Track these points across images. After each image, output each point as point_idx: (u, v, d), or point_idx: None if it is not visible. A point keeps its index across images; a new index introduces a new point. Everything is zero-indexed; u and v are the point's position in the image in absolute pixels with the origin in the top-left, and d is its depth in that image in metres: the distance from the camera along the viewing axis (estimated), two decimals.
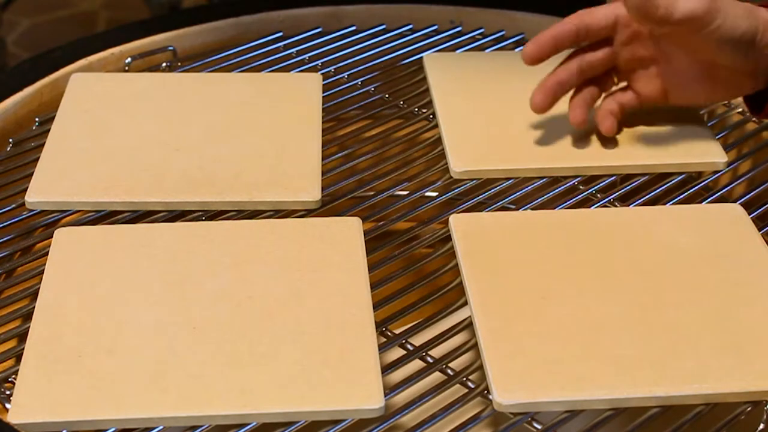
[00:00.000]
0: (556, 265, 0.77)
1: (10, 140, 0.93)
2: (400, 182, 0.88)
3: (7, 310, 0.76)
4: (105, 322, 0.71)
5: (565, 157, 0.89)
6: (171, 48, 1.06)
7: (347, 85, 1.02)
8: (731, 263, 0.78)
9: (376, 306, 0.74)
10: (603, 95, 0.90)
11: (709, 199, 0.86)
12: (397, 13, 1.13)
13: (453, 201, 0.86)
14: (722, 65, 0.83)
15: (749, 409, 0.68)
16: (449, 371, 0.71)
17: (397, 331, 0.74)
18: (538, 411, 0.67)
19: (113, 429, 0.65)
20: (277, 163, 0.87)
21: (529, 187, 0.87)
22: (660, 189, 0.87)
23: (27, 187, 0.84)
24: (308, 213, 0.83)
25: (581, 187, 0.88)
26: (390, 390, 0.69)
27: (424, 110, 0.98)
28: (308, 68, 1.04)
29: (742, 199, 0.86)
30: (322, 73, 1.02)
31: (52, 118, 0.93)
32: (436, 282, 0.78)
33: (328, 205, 0.85)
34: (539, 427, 0.67)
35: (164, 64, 1.05)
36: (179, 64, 1.05)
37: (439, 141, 0.92)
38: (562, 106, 0.93)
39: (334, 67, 1.05)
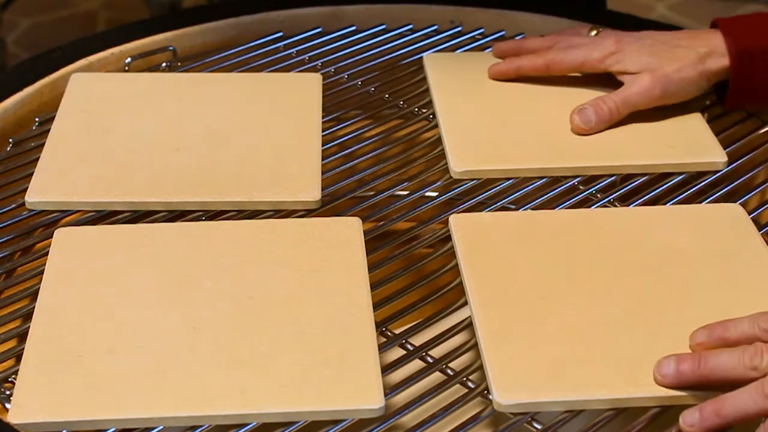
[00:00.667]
0: (556, 265, 0.77)
1: (10, 140, 0.93)
2: (400, 182, 0.88)
3: (7, 310, 0.76)
4: (105, 322, 0.71)
5: (565, 157, 0.89)
6: (171, 48, 1.06)
7: (347, 85, 1.02)
8: (731, 263, 0.77)
9: (376, 306, 0.74)
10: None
11: (709, 199, 0.86)
12: (397, 13, 1.13)
13: (453, 201, 0.86)
14: None
15: None
16: (449, 371, 0.71)
17: (397, 331, 0.74)
18: (538, 411, 0.67)
19: (113, 429, 0.65)
20: (277, 163, 0.87)
21: (529, 187, 0.87)
22: (660, 189, 0.87)
23: (27, 187, 0.84)
24: (308, 213, 0.83)
25: (581, 187, 0.88)
26: (390, 390, 0.69)
27: (424, 110, 0.98)
28: (308, 68, 1.04)
29: (742, 199, 0.86)
30: (322, 73, 1.02)
31: (52, 118, 0.93)
32: (436, 282, 0.78)
33: (328, 205, 0.85)
34: (539, 427, 0.67)
35: (164, 64, 1.05)
36: (179, 64, 1.05)
37: (439, 141, 0.92)
38: (562, 107, 0.93)
39: (334, 67, 1.04)
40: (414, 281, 0.78)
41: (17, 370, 0.68)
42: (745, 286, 0.75)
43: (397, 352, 0.72)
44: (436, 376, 0.70)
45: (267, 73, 1.03)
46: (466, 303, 0.75)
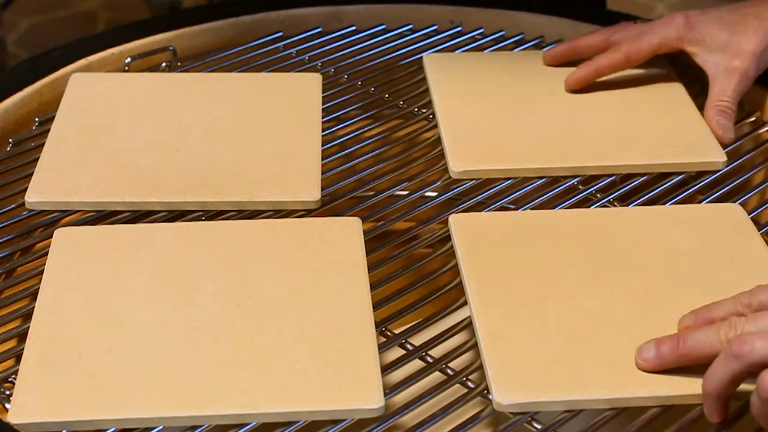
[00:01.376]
0: (556, 265, 0.77)
1: (10, 140, 0.93)
2: (400, 182, 0.88)
3: (7, 310, 0.76)
4: (105, 322, 0.71)
5: (565, 157, 0.89)
6: (171, 48, 1.06)
7: (347, 85, 1.02)
8: (731, 263, 0.78)
9: (376, 306, 0.74)
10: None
11: (708, 199, 0.86)
12: (397, 13, 1.13)
13: (452, 201, 0.86)
14: None
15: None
16: (449, 371, 0.71)
17: (396, 331, 0.74)
18: (538, 411, 0.67)
19: (113, 429, 0.65)
20: (277, 163, 0.87)
21: (529, 187, 0.87)
22: (659, 189, 0.87)
23: (27, 187, 0.84)
24: (308, 213, 0.83)
25: (581, 186, 0.87)
26: (390, 390, 0.69)
27: (424, 110, 0.98)
28: (308, 68, 1.04)
29: (742, 199, 0.86)
30: (322, 73, 1.02)
31: (52, 118, 0.93)
32: (435, 282, 0.78)
33: (328, 205, 0.85)
34: (539, 426, 0.67)
35: (164, 64, 1.05)
36: (179, 64, 1.05)
37: (438, 141, 0.92)
38: (561, 105, 0.93)
39: (334, 67, 1.04)
40: (414, 281, 0.78)
41: (17, 370, 0.68)
42: (744, 286, 0.74)
43: (396, 352, 0.72)
44: (435, 376, 0.70)
45: (267, 73, 1.03)
46: (465, 303, 0.75)
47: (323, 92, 0.98)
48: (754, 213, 0.85)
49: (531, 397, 0.67)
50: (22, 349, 0.70)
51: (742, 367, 0.63)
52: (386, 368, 0.70)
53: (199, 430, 0.65)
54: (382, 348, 0.72)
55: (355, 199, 0.86)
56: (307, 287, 0.74)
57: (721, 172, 0.89)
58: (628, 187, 0.87)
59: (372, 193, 0.87)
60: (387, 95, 1.00)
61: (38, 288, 0.75)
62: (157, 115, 0.94)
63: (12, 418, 0.65)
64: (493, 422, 0.75)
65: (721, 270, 0.77)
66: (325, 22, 1.11)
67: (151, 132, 0.91)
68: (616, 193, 0.87)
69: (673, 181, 0.88)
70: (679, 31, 0.94)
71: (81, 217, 0.83)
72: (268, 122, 0.93)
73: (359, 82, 1.02)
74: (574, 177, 0.88)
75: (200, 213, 0.83)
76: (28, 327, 0.71)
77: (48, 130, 0.91)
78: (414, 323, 0.75)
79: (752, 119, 0.98)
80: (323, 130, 0.93)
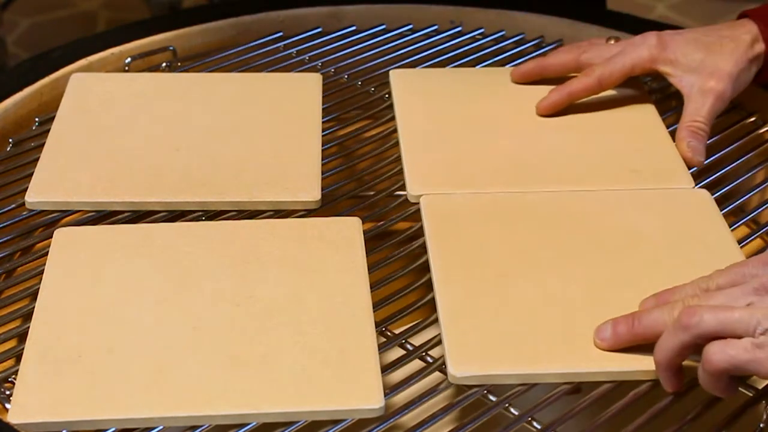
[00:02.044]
0: (522, 246, 0.78)
1: (10, 140, 0.93)
2: (400, 182, 0.88)
3: (7, 310, 0.76)
4: (105, 322, 0.71)
5: (530, 181, 0.86)
6: (171, 48, 1.06)
7: (347, 85, 1.02)
8: (693, 246, 0.79)
9: (376, 306, 0.74)
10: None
11: None
12: (397, 13, 1.13)
13: None
14: None
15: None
16: None
17: (396, 331, 0.74)
18: (493, 384, 0.68)
19: (113, 429, 0.65)
20: (277, 163, 0.87)
21: None
22: None
23: (27, 187, 0.84)
24: (308, 213, 0.83)
25: None
26: (390, 390, 0.69)
27: None
28: (308, 68, 1.05)
29: (742, 199, 0.86)
30: (322, 73, 1.02)
31: (52, 118, 0.93)
32: None
33: (328, 205, 0.85)
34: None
35: (164, 64, 1.05)
36: (179, 64, 1.05)
37: None
38: (527, 126, 0.92)
39: (334, 67, 1.05)
40: (414, 281, 0.78)
41: (17, 370, 0.68)
42: (706, 269, 0.75)
43: (396, 352, 0.72)
44: (436, 376, 0.70)
45: (267, 73, 1.03)
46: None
47: (323, 92, 0.98)
48: (755, 213, 0.85)
49: (485, 370, 0.68)
50: (22, 349, 0.70)
51: (689, 338, 0.64)
52: (386, 368, 0.70)
53: (200, 430, 0.65)
54: (382, 348, 0.72)
55: (355, 199, 0.86)
56: (307, 287, 0.74)
57: (721, 172, 0.89)
58: None
59: (372, 193, 0.87)
60: (387, 95, 1.00)
61: (38, 288, 0.75)
62: (157, 115, 0.94)
63: (12, 418, 0.65)
64: (493, 423, 0.75)
65: (683, 253, 0.78)
66: (325, 22, 1.11)
67: (151, 132, 0.91)
68: None
69: None
70: (652, 52, 0.92)
71: (81, 217, 0.83)
72: (268, 122, 0.93)
73: (359, 82, 1.02)
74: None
75: (200, 213, 0.83)
76: (28, 327, 0.71)
77: (48, 130, 0.91)
78: (414, 323, 0.75)
79: (753, 120, 0.98)
80: (323, 130, 0.93)
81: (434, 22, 1.12)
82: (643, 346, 0.69)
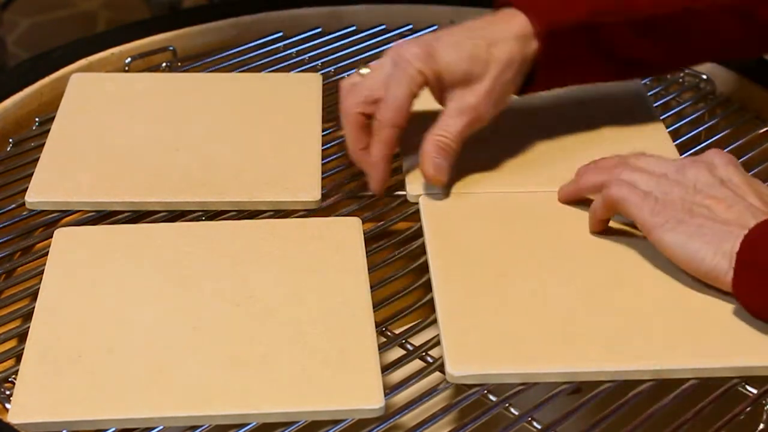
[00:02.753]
0: (520, 245, 0.78)
1: (10, 140, 0.93)
2: (400, 182, 0.88)
3: (7, 310, 0.76)
4: (105, 322, 0.71)
5: (530, 180, 0.86)
6: (171, 48, 1.06)
7: None
8: None
9: (376, 306, 0.74)
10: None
11: None
12: (397, 13, 1.13)
13: None
14: None
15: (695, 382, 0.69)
16: None
17: (396, 331, 0.74)
18: (492, 384, 0.68)
19: (113, 429, 0.65)
20: (277, 163, 0.87)
21: None
22: None
23: (27, 187, 0.84)
24: (308, 213, 0.83)
25: None
26: (390, 390, 0.69)
27: None
28: (308, 68, 1.04)
29: None
30: (322, 73, 1.02)
31: (52, 118, 0.93)
32: None
33: (328, 205, 0.84)
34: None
35: (164, 64, 1.05)
36: (179, 64, 1.05)
37: None
38: (524, 127, 0.91)
39: (334, 67, 1.05)
40: (414, 281, 0.78)
41: (17, 370, 0.68)
42: None
43: (397, 352, 0.72)
44: (436, 376, 0.70)
45: (267, 73, 1.03)
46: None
47: (323, 92, 0.98)
48: None
49: (483, 370, 0.68)
50: (23, 349, 0.70)
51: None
52: (386, 368, 0.70)
53: (199, 430, 0.65)
54: (382, 348, 0.72)
55: (355, 199, 0.86)
56: (308, 287, 0.74)
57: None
58: None
59: (372, 193, 0.87)
60: None
61: (38, 288, 0.75)
62: (157, 115, 0.94)
63: (12, 418, 0.65)
64: (494, 423, 0.75)
65: None
66: (325, 22, 1.11)
67: (152, 132, 0.91)
68: None
69: None
70: (419, 67, 0.81)
71: (81, 217, 0.83)
72: (268, 122, 0.93)
73: None
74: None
75: (200, 213, 0.83)
76: (29, 327, 0.71)
77: (48, 130, 0.91)
78: (414, 323, 0.74)
79: (753, 120, 0.98)
80: (323, 130, 0.92)
81: (434, 22, 1.12)
82: (645, 345, 0.69)
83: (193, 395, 0.66)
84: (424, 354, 0.72)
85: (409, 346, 0.73)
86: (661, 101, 0.99)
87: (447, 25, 1.11)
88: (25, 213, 0.84)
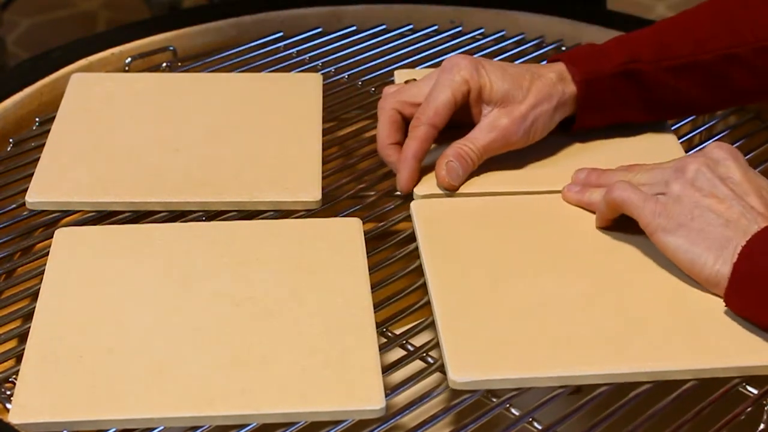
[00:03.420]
0: (515, 248, 0.78)
1: (10, 140, 0.93)
2: None
3: (7, 310, 0.76)
4: (105, 322, 0.71)
5: (526, 182, 0.86)
6: (171, 48, 1.06)
7: (347, 85, 1.02)
8: None
9: (377, 306, 0.74)
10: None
11: None
12: (397, 13, 1.13)
13: None
14: None
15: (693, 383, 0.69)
16: None
17: (397, 332, 0.74)
18: (492, 388, 0.68)
19: (114, 429, 0.65)
20: (277, 163, 0.87)
21: None
22: None
23: (27, 187, 0.84)
24: (308, 213, 0.83)
25: None
26: (390, 390, 0.68)
27: None
28: (308, 68, 1.04)
29: None
30: (322, 73, 1.02)
31: (52, 118, 0.93)
32: None
33: (328, 205, 0.84)
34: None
35: (164, 64, 1.05)
36: (179, 64, 1.05)
37: None
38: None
39: (334, 67, 1.05)
40: (414, 281, 0.78)
41: (18, 371, 0.68)
42: None
43: (397, 353, 0.72)
44: (436, 377, 0.70)
45: (267, 73, 1.03)
46: None
47: (323, 92, 0.98)
48: None
49: (485, 375, 0.68)
50: (23, 349, 0.70)
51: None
52: (387, 369, 0.70)
53: (200, 430, 0.65)
54: (383, 349, 0.72)
55: (355, 199, 0.86)
56: (308, 288, 0.74)
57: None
58: None
59: (372, 193, 0.87)
60: None
61: (38, 288, 0.75)
62: (157, 115, 0.94)
63: (13, 418, 0.64)
64: (495, 423, 0.75)
65: None
66: (325, 22, 1.11)
67: (151, 132, 0.91)
68: None
69: None
70: (464, 75, 0.84)
71: (81, 217, 0.83)
72: (268, 122, 0.93)
73: (359, 82, 1.02)
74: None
75: (200, 213, 0.83)
76: (29, 327, 0.71)
77: (48, 130, 0.91)
78: (414, 324, 0.74)
79: (754, 120, 0.98)
80: (323, 130, 0.92)
81: (434, 22, 1.12)
82: (641, 349, 0.69)
83: (193, 396, 0.66)
84: (424, 354, 0.72)
85: (409, 347, 0.73)
86: None
87: (447, 25, 1.11)
88: (25, 213, 0.84)
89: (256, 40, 1.08)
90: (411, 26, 1.11)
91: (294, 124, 0.92)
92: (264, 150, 0.89)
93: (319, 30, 1.10)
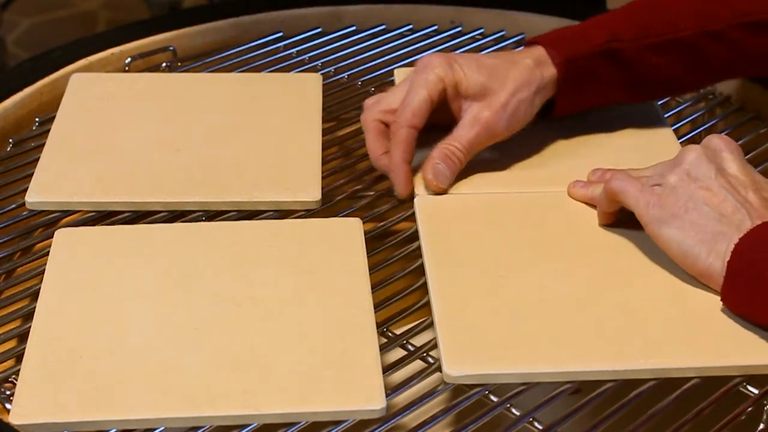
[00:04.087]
0: (517, 246, 0.78)
1: (10, 140, 0.93)
2: None
3: (7, 310, 0.75)
4: (106, 322, 0.71)
5: (527, 180, 0.86)
6: (171, 48, 1.06)
7: (347, 85, 1.02)
8: None
9: (377, 306, 0.74)
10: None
11: None
12: (397, 13, 1.13)
13: None
14: None
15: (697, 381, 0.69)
16: None
17: (397, 332, 0.74)
18: (489, 384, 0.68)
19: (114, 429, 0.65)
20: (277, 163, 0.87)
21: None
22: None
23: (27, 187, 0.84)
24: (308, 213, 0.83)
25: None
26: (391, 390, 0.68)
27: None
28: (308, 68, 1.04)
29: None
30: (322, 73, 1.02)
31: (52, 118, 0.93)
32: None
33: (328, 205, 0.84)
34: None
35: (164, 64, 1.05)
36: (179, 64, 1.05)
37: None
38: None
39: (334, 67, 1.04)
40: (414, 281, 0.78)
41: (18, 371, 0.68)
42: None
43: (397, 353, 0.72)
44: (437, 377, 0.70)
45: (267, 73, 1.03)
46: None
47: (323, 92, 0.98)
48: None
49: (480, 370, 0.68)
50: (23, 349, 0.70)
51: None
52: (387, 369, 0.70)
53: (201, 430, 0.65)
54: (383, 349, 0.72)
55: (355, 199, 0.86)
56: (308, 288, 0.74)
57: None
58: None
59: (372, 193, 0.87)
60: None
61: (38, 288, 0.74)
62: (157, 115, 0.94)
63: (14, 419, 0.64)
64: (496, 423, 0.75)
65: None
66: (325, 22, 1.11)
67: (151, 132, 0.91)
68: None
69: None
70: (438, 73, 0.83)
71: (81, 217, 0.83)
72: (268, 122, 0.93)
73: (359, 82, 1.02)
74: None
75: (200, 213, 0.83)
76: (29, 327, 0.71)
77: (48, 130, 0.91)
78: (415, 324, 0.74)
79: (754, 120, 0.98)
80: (323, 130, 0.92)
81: (434, 22, 1.12)
82: (644, 343, 0.69)
83: (194, 396, 0.66)
84: (425, 354, 0.72)
85: (410, 347, 0.73)
86: (662, 101, 0.99)
87: (447, 25, 1.11)
88: (25, 213, 0.84)
89: (256, 40, 1.08)
90: (411, 26, 1.11)
91: (294, 124, 0.92)
92: (264, 150, 0.89)
93: (319, 30, 1.10)
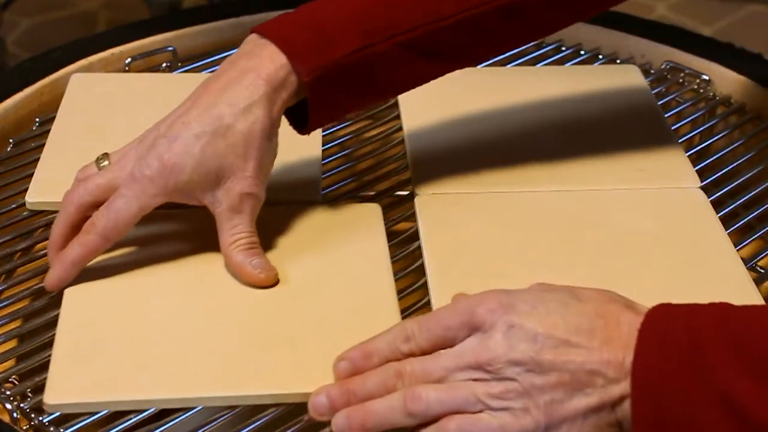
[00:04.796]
0: (516, 245, 0.78)
1: (10, 140, 0.93)
2: (400, 182, 0.88)
3: (7, 310, 0.75)
4: (137, 304, 0.72)
5: (531, 182, 0.86)
6: (171, 48, 1.06)
7: None
8: (688, 247, 0.79)
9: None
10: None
11: (711, 198, 0.86)
12: None
13: None
14: None
15: None
16: None
17: None
18: None
19: (153, 408, 0.66)
20: (277, 163, 0.87)
21: None
22: None
23: (27, 187, 0.84)
24: None
25: None
26: None
27: None
28: None
29: (743, 199, 0.86)
30: None
31: (52, 118, 0.93)
32: None
33: None
34: None
35: (164, 64, 1.05)
36: (179, 64, 1.05)
37: None
38: (526, 126, 0.91)
39: None
40: (414, 281, 0.78)
41: (18, 370, 0.68)
42: (700, 269, 0.76)
43: None
44: None
45: None
46: None
47: None
48: (759, 211, 0.85)
49: None
50: (23, 349, 0.70)
51: (417, 422, 0.61)
52: None
53: (235, 411, 0.66)
54: None
55: (355, 199, 0.86)
56: (330, 272, 0.75)
57: (722, 172, 0.89)
58: None
59: (372, 193, 0.87)
60: None
61: (39, 288, 0.75)
62: (158, 116, 0.93)
63: (48, 399, 0.65)
64: None
65: (677, 252, 0.78)
66: None
67: None
68: None
69: None
70: (149, 191, 0.72)
71: None
72: None
73: None
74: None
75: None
76: (29, 327, 0.71)
77: (48, 130, 0.91)
78: None
79: (754, 120, 0.98)
80: (323, 130, 0.92)
81: None
82: None
83: (226, 377, 0.67)
84: None
85: None
86: (662, 101, 0.99)
87: None
88: (25, 213, 0.84)
89: None
90: None
91: None
92: None
93: None
